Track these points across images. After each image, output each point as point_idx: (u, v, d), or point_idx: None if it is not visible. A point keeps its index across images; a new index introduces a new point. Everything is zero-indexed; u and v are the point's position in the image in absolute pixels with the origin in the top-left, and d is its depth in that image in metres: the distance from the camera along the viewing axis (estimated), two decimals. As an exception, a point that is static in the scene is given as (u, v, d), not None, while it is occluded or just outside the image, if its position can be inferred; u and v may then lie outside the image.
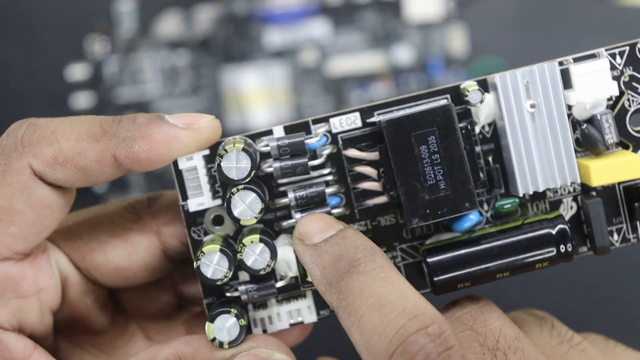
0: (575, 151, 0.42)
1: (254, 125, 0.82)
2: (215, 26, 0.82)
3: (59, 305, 0.45)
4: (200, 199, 0.43)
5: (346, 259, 0.39)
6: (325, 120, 0.42)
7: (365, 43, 0.83)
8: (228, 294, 0.44)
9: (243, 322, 0.42)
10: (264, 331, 0.45)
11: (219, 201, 0.43)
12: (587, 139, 0.41)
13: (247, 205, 0.41)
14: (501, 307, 0.42)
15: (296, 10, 0.82)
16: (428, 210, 0.41)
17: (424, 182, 0.40)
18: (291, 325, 0.45)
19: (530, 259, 0.42)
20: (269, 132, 0.42)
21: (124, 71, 0.81)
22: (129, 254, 0.45)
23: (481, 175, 0.42)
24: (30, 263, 0.44)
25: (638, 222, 0.43)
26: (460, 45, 0.83)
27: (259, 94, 0.82)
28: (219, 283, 0.42)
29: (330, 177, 0.43)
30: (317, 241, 0.40)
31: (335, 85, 0.83)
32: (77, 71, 0.81)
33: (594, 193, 0.42)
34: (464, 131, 0.41)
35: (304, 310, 0.44)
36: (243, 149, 0.41)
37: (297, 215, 0.42)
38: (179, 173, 0.43)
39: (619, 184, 0.42)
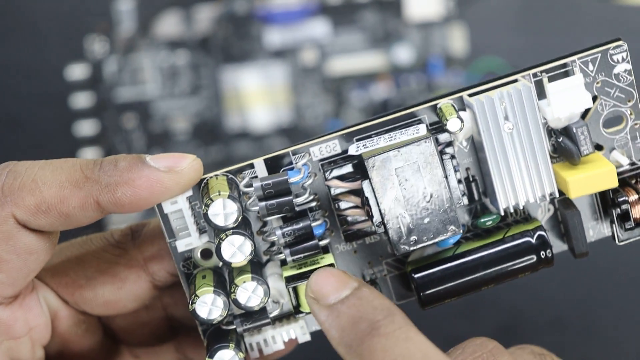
0: (551, 157, 0.43)
1: (254, 125, 0.82)
2: (215, 26, 0.82)
3: (49, 339, 0.45)
4: (188, 240, 0.43)
5: (366, 321, 0.39)
6: (305, 149, 0.43)
7: (365, 43, 0.83)
8: (223, 327, 0.44)
9: (241, 355, 0.43)
10: (260, 351, 0.45)
11: (205, 237, 0.43)
12: (563, 151, 0.42)
13: (237, 249, 0.41)
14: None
15: (296, 10, 0.82)
16: (414, 237, 0.42)
17: (408, 211, 0.41)
18: (285, 343, 0.45)
19: (512, 268, 0.43)
20: (250, 166, 0.42)
21: (123, 71, 0.82)
22: (118, 289, 0.45)
23: (463, 199, 0.43)
24: (20, 305, 0.44)
25: (613, 224, 0.44)
26: (460, 45, 0.83)
27: (259, 94, 0.82)
28: (214, 323, 0.42)
29: (314, 204, 0.43)
30: (332, 302, 0.40)
31: (335, 85, 0.83)
32: (77, 71, 0.81)
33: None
34: (444, 158, 0.42)
35: (297, 331, 0.45)
36: (229, 196, 0.41)
37: (286, 252, 0.43)
38: (164, 217, 0.43)
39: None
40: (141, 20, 0.82)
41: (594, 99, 0.43)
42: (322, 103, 0.83)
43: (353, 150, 0.42)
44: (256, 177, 0.42)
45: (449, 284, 0.42)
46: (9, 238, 0.41)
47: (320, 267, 0.42)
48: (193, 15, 0.82)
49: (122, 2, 0.82)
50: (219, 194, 0.41)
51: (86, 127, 0.81)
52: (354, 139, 0.43)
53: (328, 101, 0.83)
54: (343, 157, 0.43)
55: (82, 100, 0.81)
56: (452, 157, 0.42)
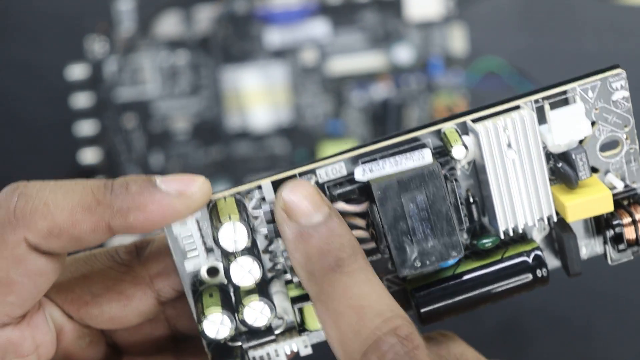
0: (549, 180, 0.44)
1: (254, 125, 0.82)
2: (215, 26, 0.82)
3: (54, 355, 0.46)
4: (196, 260, 0.43)
5: (332, 256, 0.41)
6: (312, 172, 0.43)
7: (365, 43, 0.83)
8: (229, 344, 0.44)
9: None
10: None
11: (212, 256, 0.44)
12: (561, 175, 0.44)
13: (247, 271, 0.42)
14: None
15: (296, 10, 0.82)
16: (417, 262, 0.43)
17: (413, 236, 0.42)
18: (287, 355, 0.46)
19: (509, 287, 0.44)
20: (258, 187, 0.43)
21: (123, 71, 0.82)
22: (124, 306, 0.46)
23: (465, 224, 0.44)
24: (28, 324, 0.44)
25: (606, 245, 0.45)
26: (460, 45, 0.83)
27: (259, 94, 0.82)
28: (222, 342, 0.43)
29: None
30: (303, 223, 0.41)
31: (335, 85, 0.83)
32: (77, 71, 0.81)
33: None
34: (447, 183, 0.43)
35: (299, 345, 0.45)
36: (239, 220, 0.41)
37: (291, 272, 0.44)
38: (174, 239, 0.43)
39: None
40: (141, 20, 0.82)
41: (592, 124, 0.44)
42: (322, 103, 0.83)
43: (359, 174, 0.43)
44: (264, 199, 0.43)
45: (448, 302, 0.44)
46: (20, 261, 0.41)
47: (295, 179, 0.43)
48: (193, 15, 0.82)
49: (122, 2, 0.82)
50: (230, 218, 0.41)
51: (86, 127, 0.81)
52: (360, 161, 0.43)
53: (328, 101, 0.83)
54: (349, 180, 0.43)
55: (82, 100, 0.81)
56: (455, 180, 0.43)
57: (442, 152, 0.43)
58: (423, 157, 0.43)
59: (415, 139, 0.43)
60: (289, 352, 0.45)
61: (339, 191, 0.43)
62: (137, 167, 0.81)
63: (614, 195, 0.44)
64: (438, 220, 0.42)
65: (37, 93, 0.83)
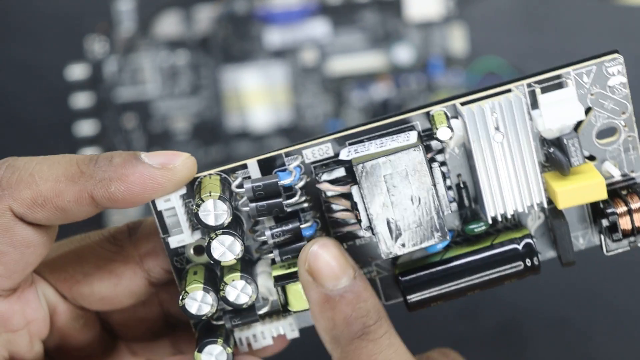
0: (543, 166, 0.43)
1: (254, 125, 0.82)
2: (215, 26, 0.82)
3: (48, 334, 0.46)
4: (181, 236, 0.44)
5: (358, 324, 0.42)
6: (298, 152, 0.43)
7: (365, 43, 0.83)
8: (213, 322, 0.45)
9: (229, 350, 0.44)
10: (249, 346, 0.46)
11: (198, 234, 0.44)
12: (553, 162, 0.43)
13: (226, 248, 0.42)
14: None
15: (296, 10, 0.82)
16: (401, 242, 0.42)
17: (397, 217, 0.42)
18: (273, 338, 0.46)
19: (499, 274, 0.44)
20: (244, 166, 0.43)
21: (123, 71, 0.82)
22: (114, 285, 0.46)
23: (451, 206, 0.44)
24: (18, 298, 0.45)
25: (601, 234, 0.44)
26: (460, 45, 0.83)
27: (259, 94, 0.82)
28: (204, 318, 0.43)
29: (305, 205, 0.44)
30: (330, 288, 0.42)
31: (335, 85, 0.83)
32: (77, 71, 0.81)
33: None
34: (433, 166, 0.42)
35: (286, 328, 0.46)
36: (219, 197, 0.41)
37: (276, 252, 0.43)
38: (158, 213, 0.43)
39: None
40: (141, 20, 0.82)
41: (588, 110, 0.43)
42: (322, 103, 0.83)
43: (344, 154, 0.43)
44: (249, 177, 0.43)
45: (435, 288, 0.43)
46: (6, 231, 0.42)
47: (321, 239, 0.43)
48: (193, 15, 0.82)
49: (122, 2, 0.82)
50: (210, 195, 0.41)
51: (86, 127, 0.81)
52: (347, 142, 0.43)
53: (328, 101, 0.83)
54: (335, 161, 0.43)
55: (82, 100, 0.81)
56: (443, 164, 0.43)
57: (431, 136, 0.43)
58: (408, 139, 0.42)
59: (405, 121, 0.43)
60: (275, 335, 0.46)
61: (325, 171, 0.43)
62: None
63: (611, 184, 0.44)
64: (422, 202, 0.42)
65: (37, 93, 0.83)
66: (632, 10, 0.83)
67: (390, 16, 0.83)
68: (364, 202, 0.42)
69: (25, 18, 0.83)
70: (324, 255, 0.42)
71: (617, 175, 0.44)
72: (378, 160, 0.41)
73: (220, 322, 0.45)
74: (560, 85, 0.43)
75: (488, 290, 0.44)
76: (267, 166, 0.43)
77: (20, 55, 0.83)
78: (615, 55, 0.42)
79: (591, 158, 0.44)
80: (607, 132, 0.44)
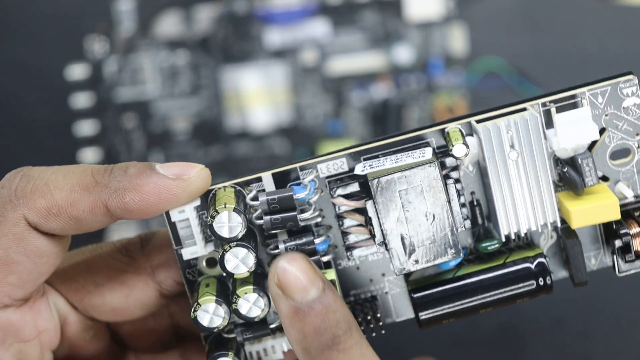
0: (556, 185, 0.43)
1: (254, 125, 0.82)
2: (215, 26, 0.82)
3: (58, 344, 0.46)
4: (194, 248, 0.44)
5: (328, 334, 0.42)
6: (313, 166, 0.43)
7: (365, 43, 0.83)
8: (224, 335, 0.45)
9: None
10: None
11: (211, 246, 0.44)
12: (567, 181, 0.43)
13: (240, 261, 0.42)
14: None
15: (296, 10, 0.82)
16: (415, 259, 0.42)
17: (410, 232, 0.42)
18: (284, 353, 0.46)
19: (511, 293, 0.44)
20: (258, 179, 0.43)
21: (123, 71, 0.82)
22: (126, 296, 0.46)
23: (465, 223, 0.44)
24: (30, 308, 0.45)
25: (614, 255, 0.44)
26: (460, 45, 0.83)
27: (259, 94, 0.82)
28: (215, 331, 0.43)
29: (319, 219, 0.44)
30: (299, 300, 0.42)
31: (335, 85, 0.83)
32: (77, 71, 0.81)
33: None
34: (447, 181, 0.42)
35: None
36: (234, 209, 0.41)
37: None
38: (172, 225, 0.43)
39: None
40: (141, 20, 0.82)
41: (602, 130, 0.43)
42: (322, 103, 0.83)
43: (359, 169, 0.43)
44: (263, 190, 0.43)
45: (447, 306, 0.43)
46: (20, 240, 0.42)
47: (289, 253, 0.43)
48: (193, 15, 0.82)
49: (122, 2, 0.82)
50: (225, 207, 0.41)
51: (86, 127, 0.81)
52: (362, 158, 0.43)
53: (328, 101, 0.83)
54: (349, 176, 0.43)
55: (82, 100, 0.81)
56: (457, 181, 0.43)
57: (446, 153, 0.43)
58: (424, 155, 0.43)
59: (420, 138, 0.43)
60: (285, 350, 0.46)
61: (339, 186, 0.43)
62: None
63: (624, 205, 0.44)
64: (436, 218, 0.42)
65: (37, 93, 0.83)
66: (632, 10, 0.83)
67: (390, 16, 0.83)
68: (378, 218, 0.42)
69: (25, 18, 0.83)
70: (292, 269, 0.42)
71: (630, 197, 0.44)
72: (393, 176, 0.42)
73: (232, 335, 0.45)
74: (575, 105, 0.43)
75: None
76: (281, 179, 0.43)
77: (20, 55, 0.83)
78: (630, 76, 0.43)
79: (604, 179, 0.44)
80: (621, 153, 0.44)
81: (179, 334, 0.49)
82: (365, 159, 0.43)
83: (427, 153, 0.42)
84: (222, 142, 0.82)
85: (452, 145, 0.42)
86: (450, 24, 0.83)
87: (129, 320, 0.47)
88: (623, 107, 0.43)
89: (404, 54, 0.83)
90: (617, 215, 0.42)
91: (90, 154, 0.80)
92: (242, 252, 0.42)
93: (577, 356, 0.76)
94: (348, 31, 0.83)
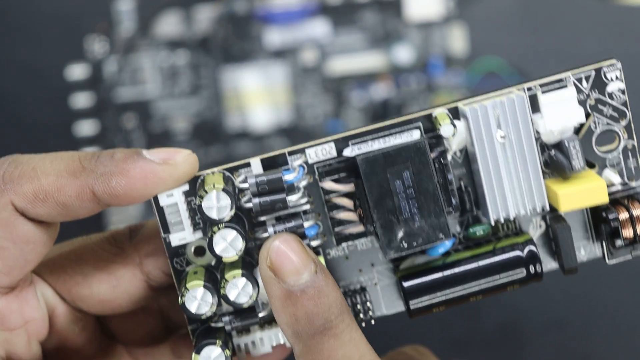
0: (544, 172, 0.43)
1: (254, 125, 0.82)
2: (215, 26, 0.82)
3: (46, 335, 0.46)
4: (182, 234, 0.44)
5: (320, 319, 0.41)
6: (301, 151, 0.43)
7: (365, 43, 0.83)
8: (212, 324, 0.45)
9: (228, 352, 0.43)
10: (247, 353, 0.46)
11: (199, 233, 0.44)
12: (555, 165, 0.43)
13: (229, 243, 0.42)
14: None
15: (296, 10, 0.82)
16: (404, 242, 0.42)
17: (399, 215, 0.42)
18: (273, 347, 0.46)
19: (501, 281, 0.43)
20: (247, 165, 0.43)
21: (123, 71, 0.82)
22: (114, 287, 0.46)
23: (453, 202, 0.43)
24: (16, 296, 0.44)
25: (603, 242, 0.44)
26: (460, 45, 0.83)
27: (259, 94, 0.82)
28: (203, 317, 0.43)
29: (307, 206, 0.44)
30: (292, 283, 0.41)
31: (335, 85, 0.83)
32: (77, 71, 0.81)
33: (562, 214, 0.44)
34: (436, 164, 0.42)
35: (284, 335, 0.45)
36: (223, 189, 0.41)
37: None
38: (160, 209, 0.43)
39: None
40: (141, 20, 0.82)
41: (588, 116, 0.43)
42: (322, 103, 0.83)
43: (348, 152, 0.43)
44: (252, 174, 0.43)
45: (437, 294, 0.43)
46: (6, 225, 0.42)
47: (282, 234, 0.42)
48: (193, 15, 0.82)
49: (122, 2, 0.82)
50: (214, 187, 0.41)
51: (86, 127, 0.81)
52: (350, 142, 0.43)
53: (328, 101, 0.83)
54: (338, 161, 0.43)
55: (82, 100, 0.81)
56: (445, 165, 0.43)
57: (433, 137, 0.43)
58: (412, 136, 0.42)
59: (409, 122, 0.43)
60: (274, 344, 0.45)
61: (328, 171, 0.43)
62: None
63: (612, 192, 0.43)
64: (425, 200, 0.42)
65: (37, 93, 0.83)
66: (632, 10, 0.83)
67: (390, 16, 0.83)
68: (367, 199, 0.42)
69: (25, 18, 0.83)
70: (285, 251, 0.42)
71: (617, 183, 0.44)
72: (381, 156, 0.41)
73: (220, 325, 0.45)
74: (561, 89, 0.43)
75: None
76: (270, 165, 0.43)
77: (20, 55, 0.83)
78: (613, 60, 0.43)
79: (591, 165, 0.44)
80: (607, 139, 0.44)
81: (169, 327, 0.49)
82: (353, 144, 0.43)
83: (415, 134, 0.42)
84: (222, 142, 0.82)
85: (440, 126, 0.42)
86: (450, 24, 0.83)
87: (118, 314, 0.47)
88: (607, 92, 0.43)
89: (404, 54, 0.83)
90: (605, 198, 0.42)
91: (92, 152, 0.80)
92: (231, 234, 0.42)
93: (577, 356, 0.76)
94: (348, 31, 0.83)
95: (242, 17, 0.82)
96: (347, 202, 0.43)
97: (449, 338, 0.74)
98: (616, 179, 0.44)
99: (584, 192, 0.42)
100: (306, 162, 0.43)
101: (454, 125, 0.42)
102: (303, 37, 0.82)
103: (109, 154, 0.42)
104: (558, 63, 0.83)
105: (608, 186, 0.43)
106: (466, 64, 0.83)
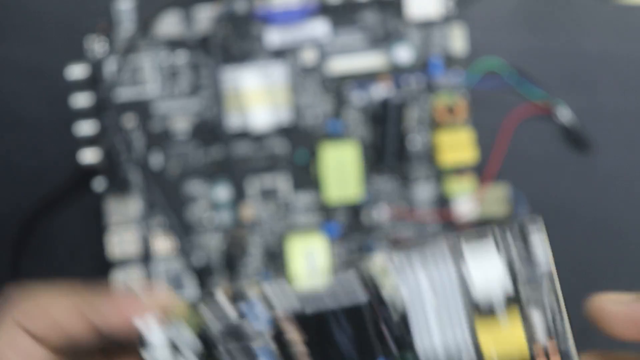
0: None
1: (254, 125, 0.82)
2: (215, 26, 0.82)
3: None
4: None
5: None
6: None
7: (365, 43, 0.83)
8: None
9: None
10: None
11: None
12: None
13: None
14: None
15: (296, 10, 0.82)
16: None
17: None
18: None
19: None
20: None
21: (123, 71, 0.82)
22: None
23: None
24: None
25: None
26: (460, 45, 0.83)
27: (259, 94, 0.82)
28: None
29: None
30: None
31: (335, 85, 0.83)
32: (77, 71, 0.81)
33: None
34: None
35: None
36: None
37: None
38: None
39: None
40: (141, 20, 0.82)
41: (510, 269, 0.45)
42: (322, 103, 0.83)
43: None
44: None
45: None
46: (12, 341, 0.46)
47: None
48: (193, 15, 0.82)
49: (122, 2, 0.82)
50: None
51: (86, 127, 0.81)
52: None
53: (328, 101, 0.83)
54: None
55: (82, 100, 0.81)
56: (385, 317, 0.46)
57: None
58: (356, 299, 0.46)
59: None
60: None
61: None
62: (137, 167, 0.81)
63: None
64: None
65: (37, 93, 0.83)
66: (632, 10, 0.83)
67: (390, 16, 0.83)
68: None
69: (25, 18, 0.83)
70: None
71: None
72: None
73: None
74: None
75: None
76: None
77: (20, 55, 0.83)
78: (538, 219, 0.44)
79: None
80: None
81: None
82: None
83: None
84: (222, 142, 0.82)
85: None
86: (450, 24, 0.83)
87: None
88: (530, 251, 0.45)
89: (404, 54, 0.83)
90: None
91: (90, 154, 0.80)
92: None
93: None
94: (348, 31, 0.83)
95: (242, 17, 0.82)
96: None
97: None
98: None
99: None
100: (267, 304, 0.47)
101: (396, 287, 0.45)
102: (303, 37, 0.82)
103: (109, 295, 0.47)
104: (558, 63, 0.83)
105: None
106: (466, 64, 0.83)
